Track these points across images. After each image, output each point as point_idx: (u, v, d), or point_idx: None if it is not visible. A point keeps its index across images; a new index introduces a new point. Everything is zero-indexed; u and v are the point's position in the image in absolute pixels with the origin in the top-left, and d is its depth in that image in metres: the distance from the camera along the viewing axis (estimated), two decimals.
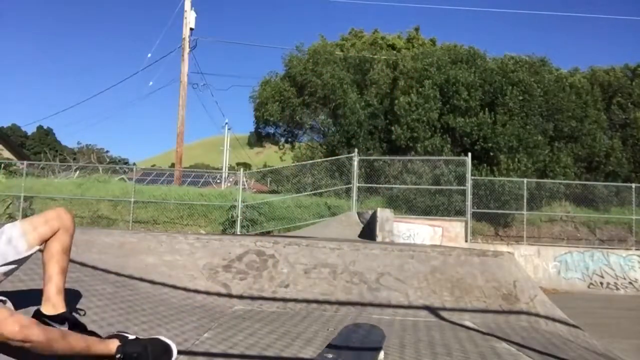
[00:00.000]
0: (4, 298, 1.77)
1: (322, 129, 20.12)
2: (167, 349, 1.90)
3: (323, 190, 15.15)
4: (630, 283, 13.31)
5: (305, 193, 15.32)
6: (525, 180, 14.57)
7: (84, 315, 2.07)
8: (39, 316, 1.94)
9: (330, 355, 1.89)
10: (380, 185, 15.34)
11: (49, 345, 1.61)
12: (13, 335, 1.55)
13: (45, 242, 1.96)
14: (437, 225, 13.55)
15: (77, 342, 1.73)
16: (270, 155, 32.97)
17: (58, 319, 1.94)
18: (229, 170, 33.89)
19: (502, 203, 14.77)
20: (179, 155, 18.67)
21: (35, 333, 1.58)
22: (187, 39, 19.27)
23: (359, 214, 12.29)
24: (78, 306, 2.42)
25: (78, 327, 1.96)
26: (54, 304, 1.95)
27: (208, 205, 14.94)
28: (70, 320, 1.97)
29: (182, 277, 3.85)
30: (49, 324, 1.91)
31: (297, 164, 17.71)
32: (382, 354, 2.15)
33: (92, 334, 1.93)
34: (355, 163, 13.83)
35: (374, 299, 3.87)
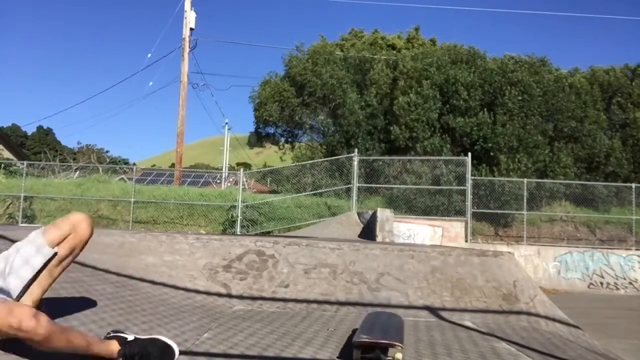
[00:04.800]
0: (3, 296, 1.70)
1: (322, 129, 20.11)
2: (168, 349, 1.87)
3: (323, 190, 15.14)
4: (630, 283, 13.30)
5: (305, 193, 15.31)
6: (525, 180, 14.57)
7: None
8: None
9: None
10: (380, 185, 15.33)
11: (49, 338, 1.52)
12: (26, 326, 1.46)
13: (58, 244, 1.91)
14: (437, 225, 13.54)
15: (76, 338, 1.65)
16: (270, 156, 32.93)
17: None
18: (229, 170, 33.85)
19: (502, 203, 14.77)
20: (179, 155, 18.68)
21: (44, 324, 1.50)
22: (187, 39, 19.28)
23: (359, 214, 12.28)
24: (77, 306, 2.42)
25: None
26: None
27: (208, 205, 14.94)
28: None
29: (182, 277, 3.84)
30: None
31: (297, 164, 17.68)
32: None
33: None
34: (356, 163, 13.81)
35: (374, 299, 3.87)
